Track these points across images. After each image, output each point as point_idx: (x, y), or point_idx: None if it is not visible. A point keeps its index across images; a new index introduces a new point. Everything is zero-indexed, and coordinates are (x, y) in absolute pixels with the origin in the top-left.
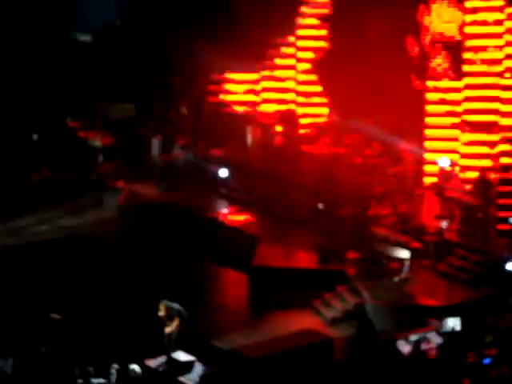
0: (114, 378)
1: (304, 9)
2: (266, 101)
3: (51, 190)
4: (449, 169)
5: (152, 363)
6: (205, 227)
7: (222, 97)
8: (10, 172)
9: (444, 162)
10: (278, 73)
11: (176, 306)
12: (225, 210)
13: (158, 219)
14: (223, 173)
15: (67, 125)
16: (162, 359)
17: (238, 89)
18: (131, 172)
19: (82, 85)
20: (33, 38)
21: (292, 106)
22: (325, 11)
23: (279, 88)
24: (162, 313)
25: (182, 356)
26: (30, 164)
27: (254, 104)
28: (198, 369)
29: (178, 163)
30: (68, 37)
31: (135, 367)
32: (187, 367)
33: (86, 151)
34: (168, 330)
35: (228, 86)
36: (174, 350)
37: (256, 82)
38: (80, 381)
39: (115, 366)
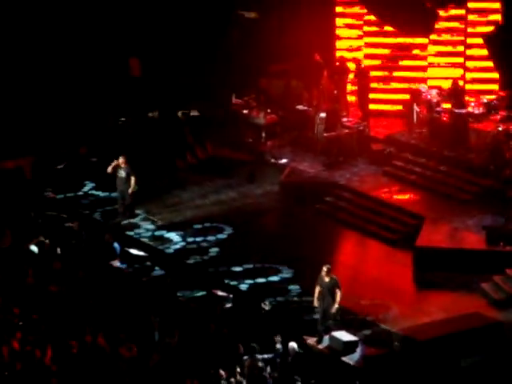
0: (279, 351)
1: None
2: (432, 77)
3: (215, 166)
4: None
5: (311, 341)
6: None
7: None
8: (175, 149)
9: None
10: (446, 48)
11: (334, 277)
12: (389, 189)
13: (316, 196)
14: (388, 151)
15: (231, 102)
16: (324, 337)
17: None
18: (294, 149)
19: (244, 62)
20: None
21: (460, 82)
22: None
23: (447, 64)
24: (317, 289)
25: (344, 336)
26: (195, 141)
27: (421, 80)
28: (362, 350)
29: (346, 139)
30: (233, 14)
31: (293, 344)
32: (350, 347)
33: (250, 129)
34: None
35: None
36: (334, 327)
37: (424, 57)
38: (245, 357)
39: (279, 339)
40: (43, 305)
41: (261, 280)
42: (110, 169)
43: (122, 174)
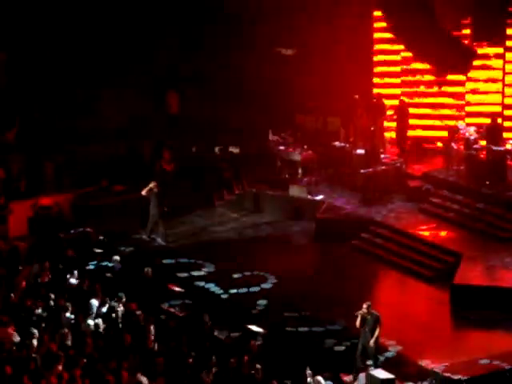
0: None
1: None
2: (470, 114)
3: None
4: None
5: (348, 378)
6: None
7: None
8: (212, 185)
9: None
10: (482, 85)
11: (375, 313)
12: (426, 226)
13: (353, 233)
14: (426, 187)
15: (268, 138)
16: (360, 375)
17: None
18: (331, 185)
19: (281, 98)
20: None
21: (498, 120)
22: None
23: (484, 101)
24: (358, 321)
25: (381, 373)
26: (232, 177)
27: (458, 118)
28: None
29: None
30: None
31: (320, 379)
32: None
33: (287, 165)
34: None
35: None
36: (371, 365)
37: (461, 96)
38: None
39: (309, 372)
40: (81, 340)
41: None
42: (144, 192)
43: (154, 198)
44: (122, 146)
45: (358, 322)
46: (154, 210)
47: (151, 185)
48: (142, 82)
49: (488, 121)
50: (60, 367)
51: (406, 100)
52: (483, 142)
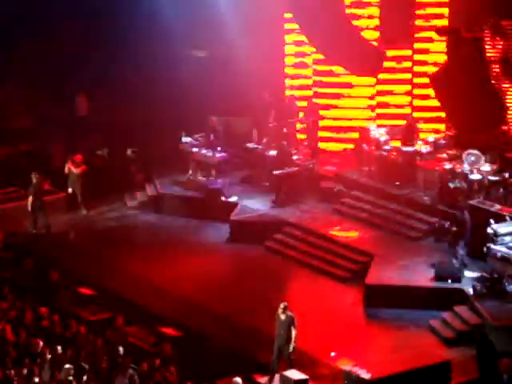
0: None
1: (420, 22)
2: (381, 116)
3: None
4: None
5: (263, 380)
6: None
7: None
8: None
9: None
10: (393, 87)
11: (290, 314)
12: (339, 226)
13: (266, 234)
14: (338, 188)
15: (181, 140)
16: (274, 377)
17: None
18: (245, 186)
19: (194, 100)
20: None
21: (407, 121)
22: (443, 23)
23: (395, 103)
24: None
25: (294, 374)
26: (145, 179)
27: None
28: None
29: (295, 177)
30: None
31: (238, 380)
32: None
33: (200, 167)
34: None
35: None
36: (287, 367)
37: (371, 97)
38: None
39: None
40: None
41: None
42: (66, 169)
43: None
44: (30, 147)
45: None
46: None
47: (33, 176)
48: (51, 84)
49: (400, 122)
50: None
51: (317, 101)
52: (395, 143)
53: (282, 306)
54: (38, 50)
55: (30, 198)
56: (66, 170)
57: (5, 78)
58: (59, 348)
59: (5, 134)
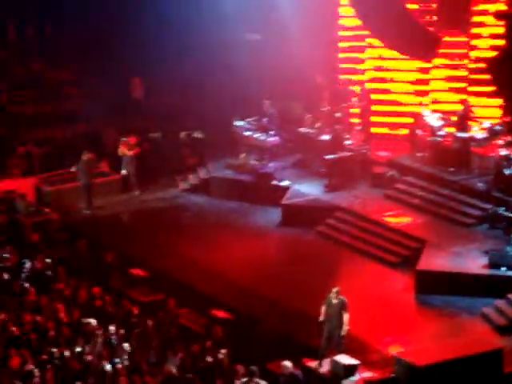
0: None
1: (479, 6)
2: (435, 101)
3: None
4: None
5: (313, 364)
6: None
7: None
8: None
9: None
10: (448, 72)
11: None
12: (391, 212)
13: (318, 219)
14: (390, 174)
15: (233, 124)
16: (325, 361)
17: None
18: (298, 171)
19: (247, 84)
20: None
21: (463, 107)
22: (502, 7)
23: (450, 88)
24: (323, 308)
25: (345, 359)
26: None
27: (421, 104)
28: (362, 373)
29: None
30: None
31: (287, 363)
32: (351, 371)
33: (253, 151)
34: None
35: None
36: (337, 351)
37: (426, 82)
38: (244, 379)
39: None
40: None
41: None
42: (120, 151)
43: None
44: (84, 130)
45: (323, 309)
46: (84, 180)
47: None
48: (106, 68)
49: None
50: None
51: (370, 86)
52: (449, 129)
53: (334, 290)
54: (89, 34)
55: (80, 176)
56: (120, 152)
57: (59, 63)
58: (112, 328)
59: (60, 116)
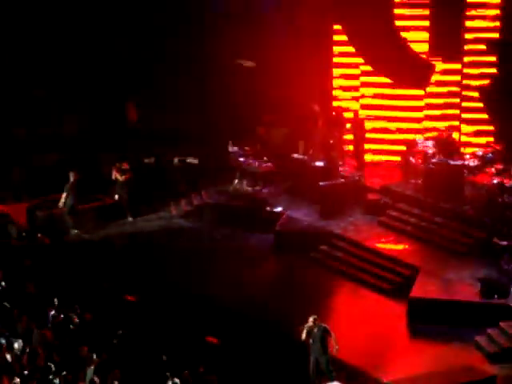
0: None
1: (470, 35)
2: (427, 129)
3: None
4: None
5: None
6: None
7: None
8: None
9: None
10: (441, 100)
11: (322, 325)
12: (384, 239)
13: (311, 245)
14: (384, 201)
15: (227, 150)
16: None
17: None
18: (291, 197)
19: (242, 110)
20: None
21: (455, 134)
22: (494, 36)
23: (442, 115)
24: (304, 335)
25: None
26: (191, 188)
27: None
28: None
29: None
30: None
31: None
32: None
33: (247, 177)
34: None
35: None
36: (327, 378)
37: (419, 109)
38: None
39: None
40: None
41: None
42: (113, 176)
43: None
44: (79, 155)
45: (303, 335)
46: (69, 201)
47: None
48: (100, 93)
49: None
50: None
51: (363, 113)
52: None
53: (311, 319)
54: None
55: (64, 195)
56: (113, 176)
57: (54, 85)
58: None
59: (55, 141)
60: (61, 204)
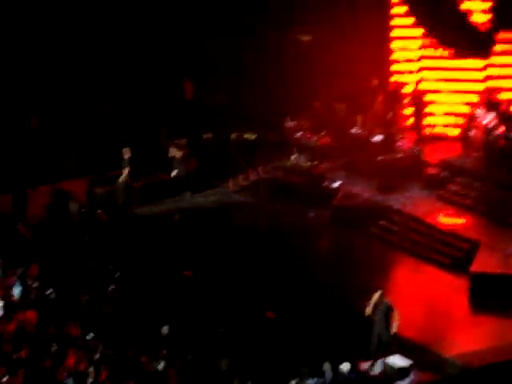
0: (329, 377)
1: None
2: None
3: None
4: None
5: (365, 366)
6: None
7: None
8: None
9: None
10: (500, 71)
11: (385, 302)
12: (443, 213)
13: (369, 220)
14: (443, 175)
15: (284, 125)
16: (377, 362)
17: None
18: (347, 172)
19: (299, 85)
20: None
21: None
22: None
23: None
24: (369, 310)
25: (398, 360)
26: (248, 163)
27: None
28: (415, 375)
29: (400, 161)
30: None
31: (344, 367)
32: (404, 373)
33: (303, 152)
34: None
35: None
36: (387, 352)
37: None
38: (294, 381)
39: (327, 365)
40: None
41: None
42: (170, 152)
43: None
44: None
45: (369, 310)
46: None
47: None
48: (156, 69)
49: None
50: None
51: (423, 86)
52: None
53: (377, 294)
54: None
55: (126, 171)
56: (170, 153)
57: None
58: None
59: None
60: (121, 180)
